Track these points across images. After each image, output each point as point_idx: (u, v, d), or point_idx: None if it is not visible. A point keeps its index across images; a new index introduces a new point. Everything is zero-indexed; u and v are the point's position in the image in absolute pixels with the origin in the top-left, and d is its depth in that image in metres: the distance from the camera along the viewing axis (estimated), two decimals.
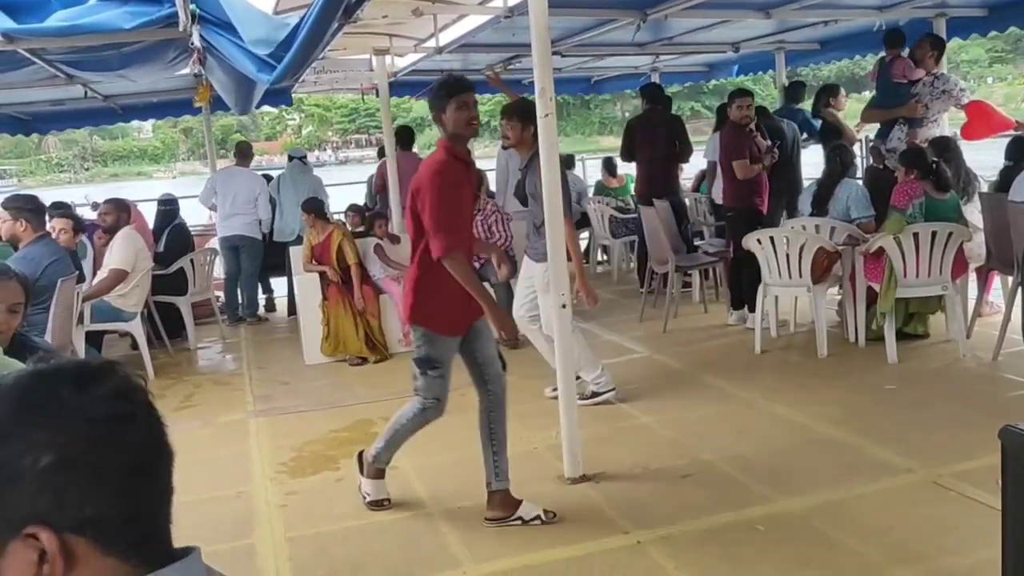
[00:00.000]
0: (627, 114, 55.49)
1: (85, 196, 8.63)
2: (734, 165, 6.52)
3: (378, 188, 9.06)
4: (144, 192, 8.33)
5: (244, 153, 8.91)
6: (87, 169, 56.20)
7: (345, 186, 11.81)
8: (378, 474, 3.90)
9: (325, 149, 55.48)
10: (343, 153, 55.44)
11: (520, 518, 3.62)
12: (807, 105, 8.53)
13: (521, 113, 4.89)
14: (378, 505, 3.88)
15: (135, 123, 11.32)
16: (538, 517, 3.62)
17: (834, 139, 7.16)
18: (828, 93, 7.89)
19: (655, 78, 10.58)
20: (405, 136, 8.90)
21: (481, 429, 3.78)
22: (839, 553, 3.22)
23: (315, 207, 7.10)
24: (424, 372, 3.67)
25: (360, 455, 3.99)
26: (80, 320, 6.00)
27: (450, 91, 3.59)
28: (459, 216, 3.59)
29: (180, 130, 55.53)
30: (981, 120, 7.18)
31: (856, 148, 7.82)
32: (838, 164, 6.24)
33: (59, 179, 53.87)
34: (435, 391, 3.68)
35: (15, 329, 3.03)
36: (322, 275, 6.82)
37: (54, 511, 0.88)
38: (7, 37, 4.95)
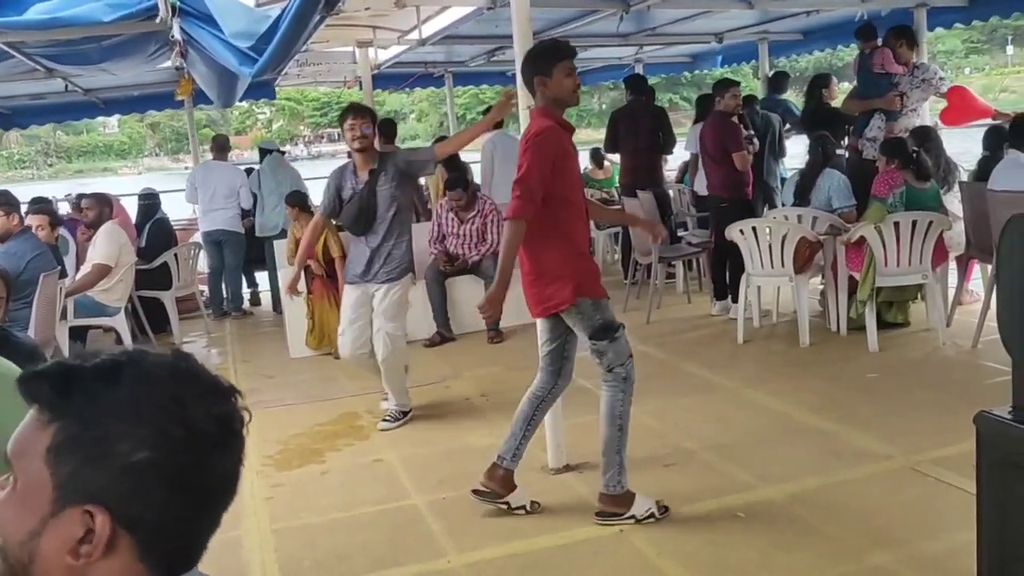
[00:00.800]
0: (605, 106, 55.31)
1: (68, 193, 8.57)
2: (735, 156, 6.53)
3: None
4: (109, 189, 8.23)
5: (221, 147, 8.85)
6: (50, 165, 54.02)
7: (320, 180, 11.78)
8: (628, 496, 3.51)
9: (297, 143, 53.74)
10: (315, 148, 52.88)
11: (507, 503, 3.62)
12: (793, 96, 8.59)
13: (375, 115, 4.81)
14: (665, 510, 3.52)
15: (100, 118, 11.25)
16: (523, 507, 3.64)
17: (822, 128, 7.20)
18: (820, 83, 7.92)
19: (639, 69, 10.61)
20: (388, 128, 8.87)
21: (523, 409, 3.72)
22: (819, 538, 3.26)
23: (299, 200, 7.08)
24: (611, 338, 3.49)
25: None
26: (64, 315, 5.97)
27: (560, 55, 3.46)
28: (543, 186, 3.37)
29: (147, 125, 53.53)
30: (960, 106, 7.24)
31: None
32: (820, 154, 6.28)
33: (21, 175, 51.38)
34: (627, 350, 3.55)
35: None
36: (306, 268, 6.81)
37: (122, 501, 0.91)
38: None
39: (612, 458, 3.51)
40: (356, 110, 4.73)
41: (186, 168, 50.31)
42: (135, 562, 0.93)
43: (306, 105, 53.24)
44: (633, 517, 3.45)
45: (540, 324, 3.73)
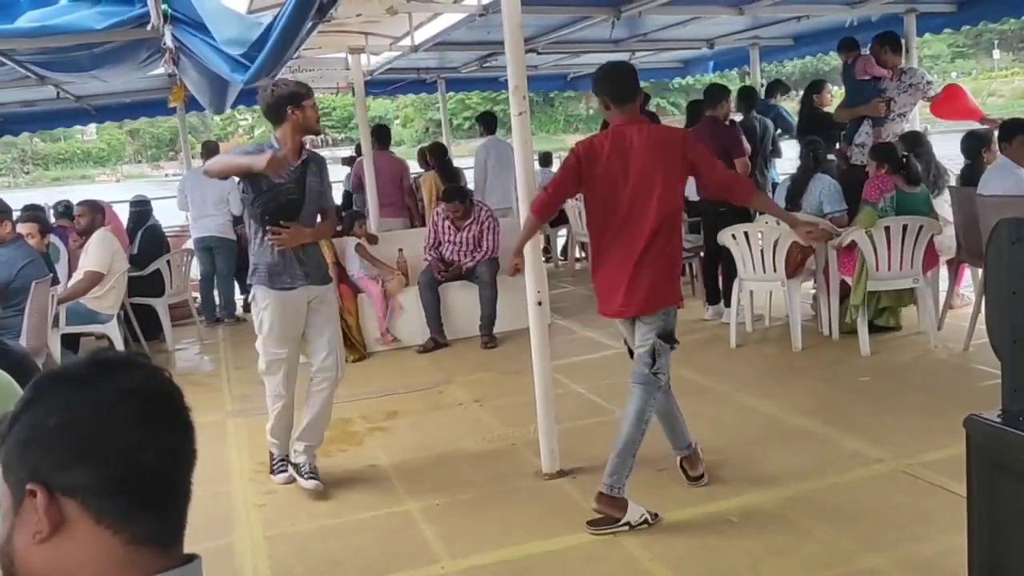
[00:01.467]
0: (592, 111, 55.31)
1: (56, 202, 8.54)
2: (738, 162, 6.59)
3: (355, 186, 9.04)
4: (86, 197, 8.18)
5: (211, 152, 8.81)
6: (27, 172, 52.81)
7: None
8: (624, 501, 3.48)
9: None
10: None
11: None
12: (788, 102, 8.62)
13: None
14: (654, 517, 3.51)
15: (76, 126, 11.25)
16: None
17: (814, 134, 7.23)
18: (812, 89, 7.96)
19: None
20: (382, 134, 8.89)
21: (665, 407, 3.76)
22: (811, 542, 3.27)
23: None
24: (671, 346, 3.61)
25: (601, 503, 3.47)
26: (56, 323, 5.95)
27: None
28: None
29: (126, 131, 52.71)
30: (951, 101, 7.24)
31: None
32: (811, 159, 6.30)
33: None
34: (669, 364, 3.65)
35: None
36: None
37: (51, 471, 0.95)
38: None
39: (627, 459, 3.48)
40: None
41: (167, 175, 49.31)
42: (94, 527, 0.95)
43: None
44: (628, 524, 3.44)
45: (638, 326, 3.66)
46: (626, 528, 3.43)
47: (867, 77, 6.96)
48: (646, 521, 3.46)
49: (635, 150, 3.48)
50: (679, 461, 3.87)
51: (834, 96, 8.24)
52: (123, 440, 0.97)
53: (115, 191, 7.81)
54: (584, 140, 3.74)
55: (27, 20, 4.92)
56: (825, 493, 3.66)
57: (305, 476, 4.14)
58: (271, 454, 4.37)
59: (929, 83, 7.13)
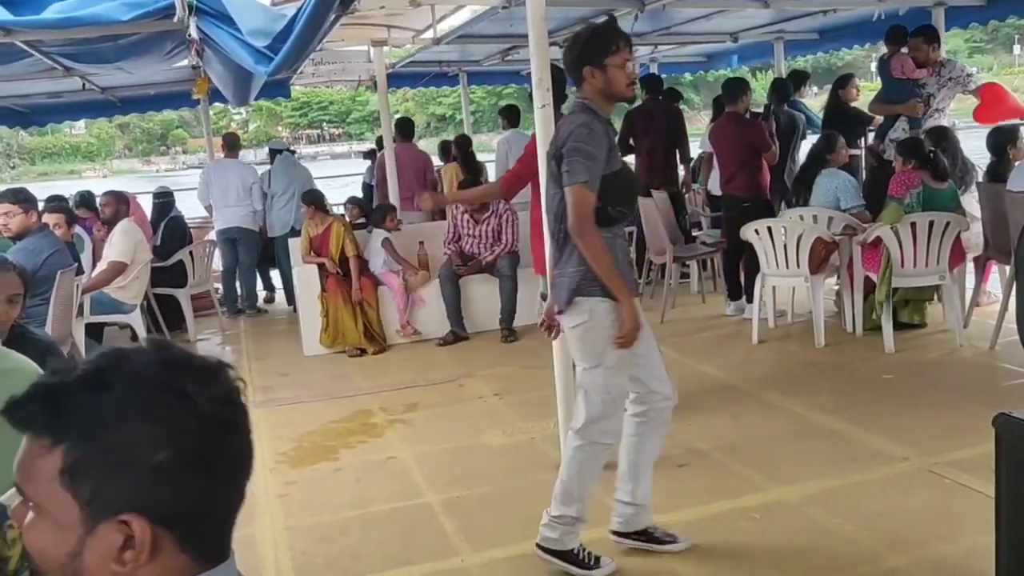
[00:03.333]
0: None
1: (76, 192, 8.62)
2: (767, 156, 6.56)
3: (379, 179, 9.05)
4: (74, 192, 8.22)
5: (232, 144, 8.85)
6: (13, 167, 50.21)
7: (329, 179, 11.76)
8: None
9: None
10: (294, 148, 51.17)
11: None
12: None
13: None
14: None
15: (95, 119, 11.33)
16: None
17: (837, 129, 7.15)
18: (838, 84, 7.87)
19: (653, 68, 10.58)
20: (405, 127, 8.89)
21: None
22: (834, 540, 3.24)
23: (315, 199, 7.11)
24: None
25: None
26: (80, 312, 6.01)
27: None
28: None
29: (116, 125, 51.00)
30: (994, 104, 7.09)
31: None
32: (823, 147, 6.24)
33: None
34: None
35: (14, 320, 3.04)
36: (321, 267, 6.84)
37: (154, 503, 0.91)
38: (4, 29, 4.95)
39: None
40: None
41: (157, 171, 48.74)
42: (178, 554, 0.94)
43: (284, 105, 49.31)
44: None
45: None
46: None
47: (903, 76, 6.87)
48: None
49: None
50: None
51: (860, 90, 8.14)
52: (228, 463, 0.97)
53: (103, 186, 7.79)
54: None
55: (54, 11, 4.95)
56: (849, 491, 3.63)
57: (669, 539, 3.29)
58: (569, 552, 3.16)
59: (969, 76, 7.01)
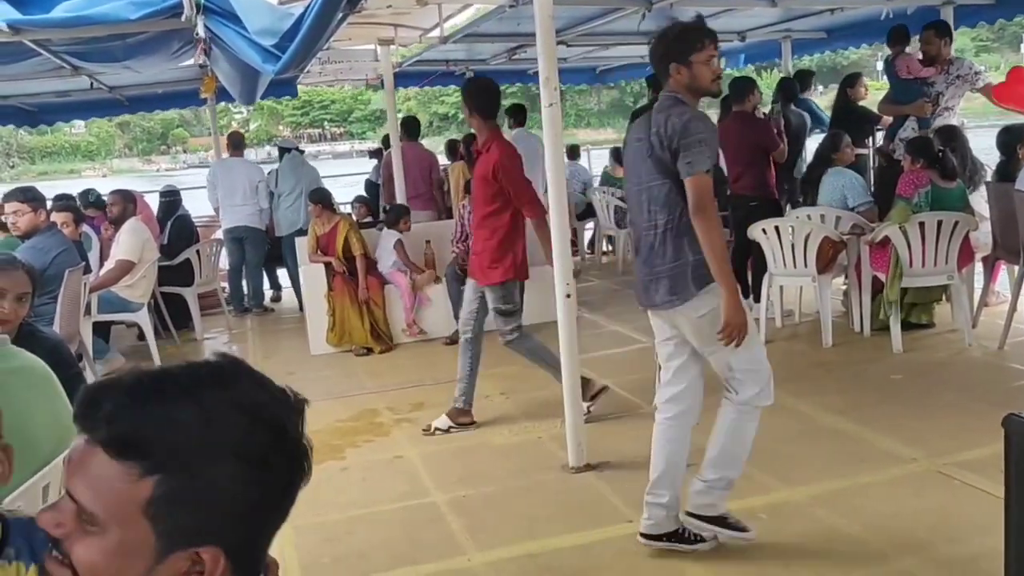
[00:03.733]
0: (602, 107, 54.74)
1: (84, 191, 8.64)
2: (775, 154, 6.56)
3: (385, 178, 9.05)
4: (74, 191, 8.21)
5: (237, 143, 8.86)
6: (12, 167, 49.70)
7: (339, 178, 11.76)
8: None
9: (276, 144, 48.81)
10: (302, 148, 48.66)
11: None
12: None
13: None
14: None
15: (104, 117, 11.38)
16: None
17: (844, 127, 7.12)
18: (846, 83, 7.84)
19: None
20: (411, 126, 8.89)
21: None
22: (842, 541, 3.22)
23: (323, 198, 7.11)
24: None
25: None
26: (87, 311, 6.02)
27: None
28: None
29: (116, 124, 50.20)
30: (1018, 85, 7.00)
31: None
32: (829, 146, 6.23)
33: None
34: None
35: (22, 318, 3.04)
36: (328, 266, 6.84)
37: (232, 535, 0.91)
38: (12, 28, 4.96)
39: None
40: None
41: (157, 171, 48.09)
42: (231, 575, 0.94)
43: (285, 104, 48.49)
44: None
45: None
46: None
47: (909, 76, 6.83)
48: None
49: None
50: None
51: (868, 90, 8.11)
52: (292, 496, 0.97)
53: (103, 186, 7.74)
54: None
55: (62, 10, 4.97)
56: (857, 492, 3.61)
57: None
58: (722, 518, 3.25)
59: (977, 74, 6.96)
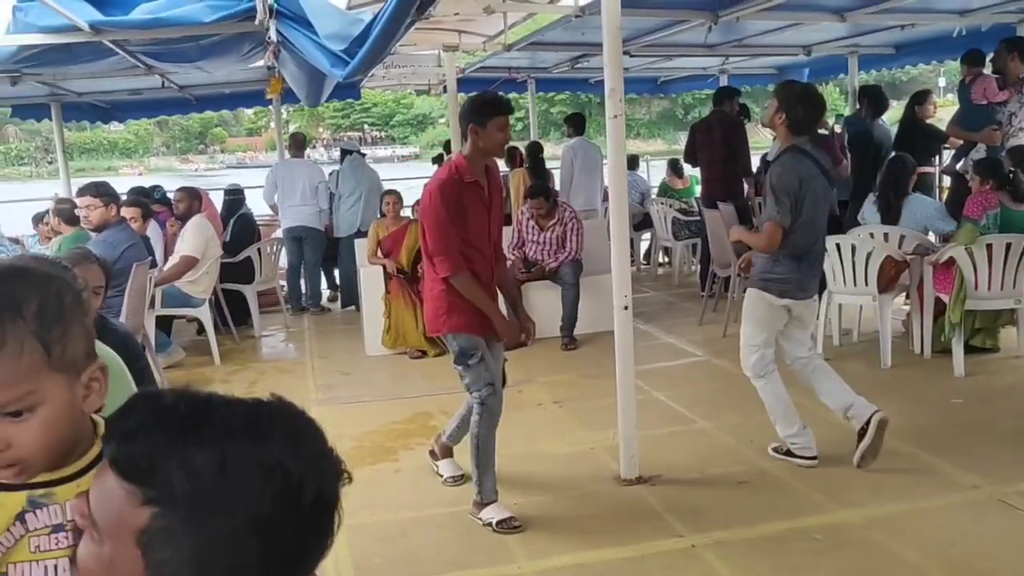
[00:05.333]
0: (652, 117, 54.10)
1: (152, 187, 8.89)
2: (838, 170, 6.51)
3: None
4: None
5: (299, 144, 9.03)
6: (50, 163, 46.88)
7: (398, 181, 11.83)
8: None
9: (315, 146, 45.81)
10: (336, 151, 46.15)
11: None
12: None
13: None
14: None
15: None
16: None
17: (912, 146, 6.99)
18: (915, 100, 7.72)
19: (723, 80, 10.49)
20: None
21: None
22: (898, 566, 3.17)
23: (399, 193, 7.26)
24: (462, 365, 3.80)
25: None
26: (152, 304, 6.18)
27: (495, 110, 3.61)
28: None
29: (154, 122, 48.95)
30: None
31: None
32: (892, 176, 6.08)
33: (18, 173, 47.97)
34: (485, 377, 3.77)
35: (96, 311, 3.14)
36: (384, 268, 6.92)
37: None
38: (94, 28, 5.13)
39: (474, 472, 3.79)
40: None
41: (196, 170, 47.86)
42: None
43: (326, 106, 46.31)
44: (490, 524, 3.64)
45: None
46: (489, 529, 3.61)
47: (984, 102, 6.68)
48: (505, 524, 3.61)
49: None
50: None
51: (937, 107, 7.95)
52: (298, 569, 0.91)
53: (136, 186, 7.84)
54: None
55: (141, 12, 5.12)
56: (914, 517, 3.55)
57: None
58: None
59: None
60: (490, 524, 3.64)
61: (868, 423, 4.05)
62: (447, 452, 4.27)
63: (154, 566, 0.84)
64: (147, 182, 9.52)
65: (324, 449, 0.92)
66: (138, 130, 51.49)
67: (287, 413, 0.90)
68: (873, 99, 7.55)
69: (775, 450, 4.30)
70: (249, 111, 46.74)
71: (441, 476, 4.21)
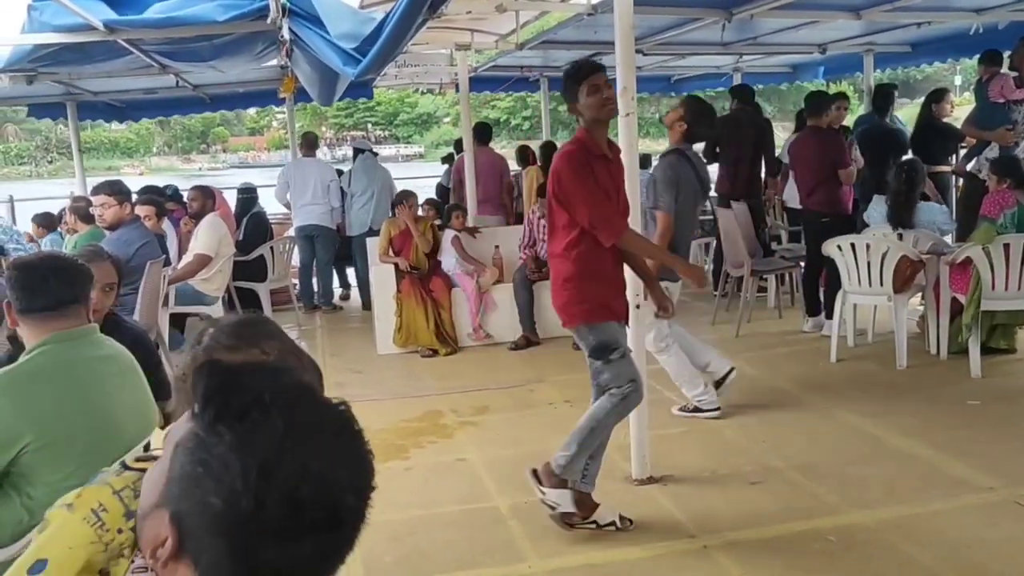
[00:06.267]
0: (659, 115, 53.60)
1: (165, 186, 8.93)
2: (843, 173, 6.47)
3: (456, 183, 9.13)
4: None
5: (311, 144, 9.04)
6: (50, 162, 48.79)
7: (409, 180, 11.85)
8: (561, 483, 3.54)
9: (318, 146, 44.71)
10: (340, 151, 43.82)
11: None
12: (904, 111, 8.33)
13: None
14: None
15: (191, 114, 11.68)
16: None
17: (928, 145, 6.93)
18: (931, 98, 7.65)
19: (737, 78, 10.43)
20: (483, 132, 8.95)
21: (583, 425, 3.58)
22: (913, 569, 3.14)
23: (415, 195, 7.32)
24: (604, 359, 3.50)
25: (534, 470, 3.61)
26: (165, 302, 6.20)
27: (576, 78, 3.50)
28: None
29: (156, 121, 47.74)
30: None
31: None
32: (903, 183, 6.00)
33: (18, 172, 47.42)
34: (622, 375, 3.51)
35: (108, 308, 3.16)
36: (396, 267, 6.93)
37: (188, 531, 0.93)
38: (108, 27, 5.15)
39: (573, 446, 3.52)
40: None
41: (200, 169, 47.55)
42: None
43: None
44: (595, 523, 3.51)
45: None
46: (593, 526, 3.50)
47: (1001, 100, 6.63)
48: (614, 524, 3.51)
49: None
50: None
51: (954, 106, 7.89)
52: (263, 562, 0.92)
53: (137, 185, 7.77)
54: None
55: (155, 11, 5.14)
56: (928, 519, 3.51)
57: None
58: None
59: None
60: (551, 505, 3.48)
61: (726, 376, 4.95)
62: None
63: (169, 480, 0.95)
64: (148, 182, 9.55)
65: (343, 462, 0.95)
66: (139, 129, 50.68)
67: (334, 417, 0.98)
68: (877, 96, 7.51)
69: (681, 409, 4.91)
70: (252, 110, 46.43)
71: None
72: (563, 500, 3.49)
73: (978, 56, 7.03)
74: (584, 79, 3.48)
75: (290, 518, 0.89)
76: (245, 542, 0.89)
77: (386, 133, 56.92)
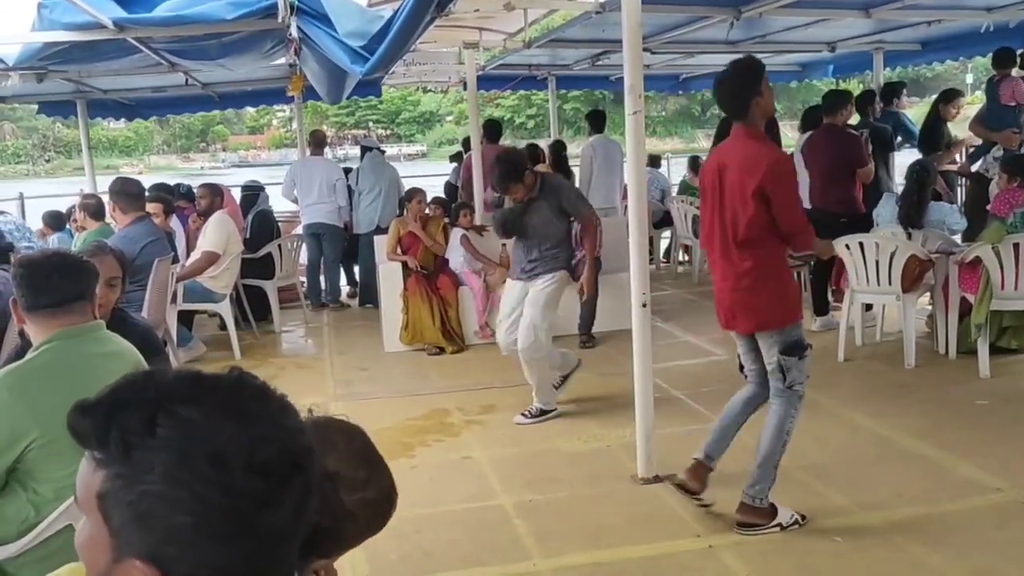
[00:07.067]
0: (667, 114, 53.40)
1: (176, 183, 8.95)
2: (862, 172, 6.46)
3: (464, 180, 9.13)
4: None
5: (319, 142, 9.05)
6: (48, 161, 48.81)
7: (416, 179, 11.84)
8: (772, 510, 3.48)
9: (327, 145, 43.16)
10: (341, 150, 41.50)
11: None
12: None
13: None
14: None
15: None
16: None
17: (933, 144, 6.89)
18: (940, 99, 7.61)
19: None
20: (492, 130, 8.95)
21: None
22: (921, 571, 3.12)
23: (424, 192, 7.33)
24: (800, 356, 3.48)
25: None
26: (173, 299, 6.22)
27: (762, 70, 3.46)
28: None
29: (155, 119, 45.07)
30: None
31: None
32: (915, 184, 5.98)
33: (15, 171, 46.48)
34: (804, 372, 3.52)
35: (114, 304, 3.16)
36: (404, 265, 6.93)
37: (171, 562, 0.87)
38: (118, 26, 5.17)
39: (768, 471, 3.46)
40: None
41: (201, 168, 47.19)
42: None
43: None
44: (779, 525, 3.43)
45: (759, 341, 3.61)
46: (777, 529, 3.42)
47: (1012, 104, 6.60)
48: (796, 523, 3.45)
49: (727, 169, 3.45)
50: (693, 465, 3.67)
51: (960, 110, 7.85)
52: (264, 534, 0.89)
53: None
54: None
55: (164, 10, 5.15)
56: (937, 520, 3.50)
57: None
58: None
59: None
60: (784, 526, 3.43)
61: (568, 375, 5.22)
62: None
63: (114, 531, 0.88)
64: (148, 181, 9.60)
65: (270, 415, 0.91)
66: (138, 128, 50.45)
67: (237, 384, 0.92)
68: (858, 97, 7.51)
69: (526, 414, 5.01)
70: (252, 109, 46.27)
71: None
72: (785, 515, 3.48)
73: (991, 55, 6.99)
74: (765, 74, 3.44)
75: (264, 484, 0.87)
76: (239, 527, 0.87)
77: (388, 132, 56.32)
